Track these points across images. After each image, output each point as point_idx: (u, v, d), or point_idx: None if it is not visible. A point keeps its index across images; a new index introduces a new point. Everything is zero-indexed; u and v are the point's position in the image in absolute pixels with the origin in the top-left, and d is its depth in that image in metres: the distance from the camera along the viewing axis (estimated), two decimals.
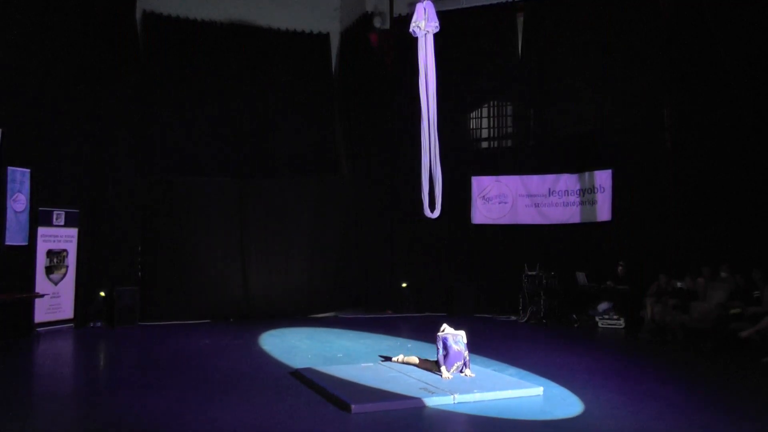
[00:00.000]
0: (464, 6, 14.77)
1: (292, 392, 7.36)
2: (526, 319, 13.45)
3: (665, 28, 12.68)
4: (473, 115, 15.60)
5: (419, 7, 8.70)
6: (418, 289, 15.21)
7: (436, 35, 8.80)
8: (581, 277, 13.10)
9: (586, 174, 14.02)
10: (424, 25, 8.67)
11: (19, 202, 11.43)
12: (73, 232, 12.58)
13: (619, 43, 13.53)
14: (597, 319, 12.59)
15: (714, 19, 11.75)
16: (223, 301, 13.94)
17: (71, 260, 12.55)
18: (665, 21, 12.70)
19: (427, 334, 11.49)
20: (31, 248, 11.75)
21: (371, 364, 8.61)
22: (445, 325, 7.95)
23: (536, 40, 14.70)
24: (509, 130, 15.41)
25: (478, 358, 8.78)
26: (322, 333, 12.03)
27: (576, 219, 14.18)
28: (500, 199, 14.91)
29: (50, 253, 12.19)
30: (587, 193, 14.01)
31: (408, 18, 8.98)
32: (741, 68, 11.53)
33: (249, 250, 14.33)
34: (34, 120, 11.76)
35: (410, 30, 8.82)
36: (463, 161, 15.11)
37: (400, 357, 8.52)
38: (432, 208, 8.85)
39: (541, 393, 7.15)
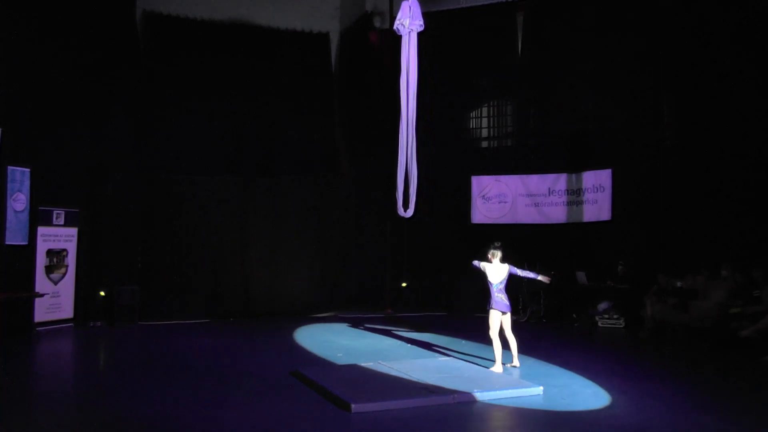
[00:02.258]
0: (464, 6, 14.76)
1: (292, 391, 7.36)
2: (526, 318, 13.44)
3: (665, 28, 12.67)
4: (473, 114, 15.60)
5: (404, 5, 8.74)
6: (418, 289, 15.20)
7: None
8: (581, 276, 13.10)
9: (586, 173, 14.01)
10: (408, 23, 8.70)
11: (19, 201, 11.43)
12: (73, 231, 12.58)
13: (619, 43, 13.53)
14: (597, 318, 12.59)
15: (714, 18, 11.76)
16: (223, 301, 13.94)
17: (71, 260, 12.55)
18: (665, 21, 12.70)
19: (428, 333, 11.52)
20: (31, 248, 11.73)
21: (371, 363, 8.61)
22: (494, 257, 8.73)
23: (536, 40, 14.70)
24: (509, 129, 15.41)
25: (479, 359, 8.77)
26: (323, 332, 12.04)
27: (576, 218, 14.17)
28: (500, 199, 14.90)
29: (50, 253, 12.18)
30: (587, 193, 14.00)
31: None
32: (741, 68, 11.53)
33: (249, 250, 14.33)
34: (34, 120, 11.75)
35: (394, 27, 8.84)
36: (463, 160, 15.10)
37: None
38: (405, 207, 8.88)
39: (541, 392, 7.16)
